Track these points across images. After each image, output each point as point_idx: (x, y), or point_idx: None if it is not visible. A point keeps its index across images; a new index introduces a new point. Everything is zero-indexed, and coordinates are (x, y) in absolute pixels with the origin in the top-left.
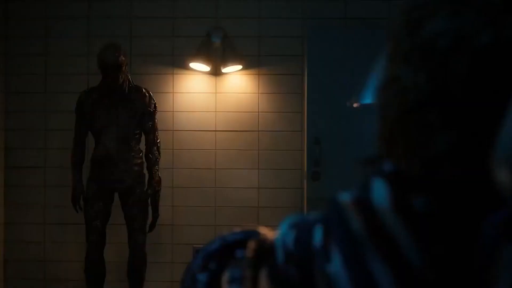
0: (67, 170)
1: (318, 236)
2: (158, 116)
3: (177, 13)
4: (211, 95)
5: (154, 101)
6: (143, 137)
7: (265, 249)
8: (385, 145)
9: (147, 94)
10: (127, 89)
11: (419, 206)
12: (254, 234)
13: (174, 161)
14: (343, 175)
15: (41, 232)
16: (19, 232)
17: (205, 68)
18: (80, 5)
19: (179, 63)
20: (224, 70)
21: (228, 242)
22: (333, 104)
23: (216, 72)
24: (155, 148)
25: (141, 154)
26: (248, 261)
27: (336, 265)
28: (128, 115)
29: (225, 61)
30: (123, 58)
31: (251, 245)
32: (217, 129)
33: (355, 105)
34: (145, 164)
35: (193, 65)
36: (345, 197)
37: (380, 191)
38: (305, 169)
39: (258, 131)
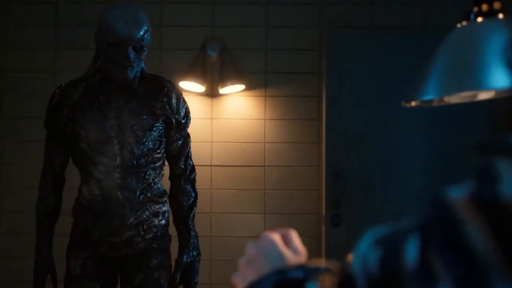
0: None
1: (411, 250)
2: None
3: (164, 20)
4: (206, 122)
5: (185, 103)
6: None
7: (344, 281)
8: None
9: (172, 91)
10: (137, 81)
11: None
12: (317, 270)
13: None
14: (371, 219)
15: None
16: None
17: (199, 88)
18: None
19: None
20: (222, 90)
21: (286, 279)
22: (358, 132)
23: (212, 93)
24: (188, 182)
25: (165, 198)
26: None
27: None
28: (141, 126)
29: (224, 79)
30: (149, 36)
31: (326, 281)
32: (213, 164)
33: (413, 103)
34: (169, 214)
35: (184, 84)
36: (457, 193)
37: None
38: (323, 212)
39: (264, 166)
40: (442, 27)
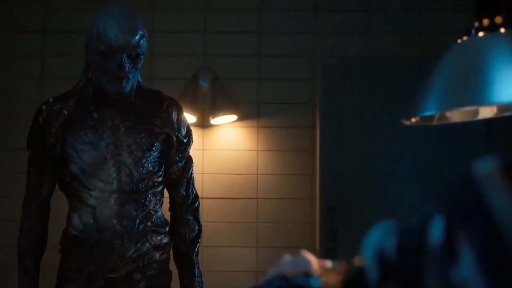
0: None
1: (437, 230)
2: None
3: (154, 49)
4: (197, 153)
5: (187, 122)
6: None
7: (351, 278)
8: None
9: (173, 107)
10: (134, 95)
11: None
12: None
13: None
14: None
15: None
16: None
17: (190, 118)
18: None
19: None
20: (213, 121)
21: (290, 285)
22: (353, 164)
23: (203, 124)
24: (191, 213)
25: (166, 228)
26: None
27: (466, 269)
28: (139, 146)
29: (215, 109)
30: (145, 43)
31: (330, 277)
32: (203, 196)
33: (413, 120)
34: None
35: None
36: (486, 165)
37: None
38: (317, 246)
39: (257, 198)
40: (437, 58)
